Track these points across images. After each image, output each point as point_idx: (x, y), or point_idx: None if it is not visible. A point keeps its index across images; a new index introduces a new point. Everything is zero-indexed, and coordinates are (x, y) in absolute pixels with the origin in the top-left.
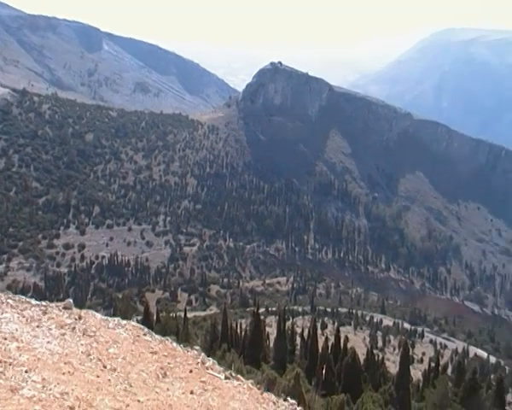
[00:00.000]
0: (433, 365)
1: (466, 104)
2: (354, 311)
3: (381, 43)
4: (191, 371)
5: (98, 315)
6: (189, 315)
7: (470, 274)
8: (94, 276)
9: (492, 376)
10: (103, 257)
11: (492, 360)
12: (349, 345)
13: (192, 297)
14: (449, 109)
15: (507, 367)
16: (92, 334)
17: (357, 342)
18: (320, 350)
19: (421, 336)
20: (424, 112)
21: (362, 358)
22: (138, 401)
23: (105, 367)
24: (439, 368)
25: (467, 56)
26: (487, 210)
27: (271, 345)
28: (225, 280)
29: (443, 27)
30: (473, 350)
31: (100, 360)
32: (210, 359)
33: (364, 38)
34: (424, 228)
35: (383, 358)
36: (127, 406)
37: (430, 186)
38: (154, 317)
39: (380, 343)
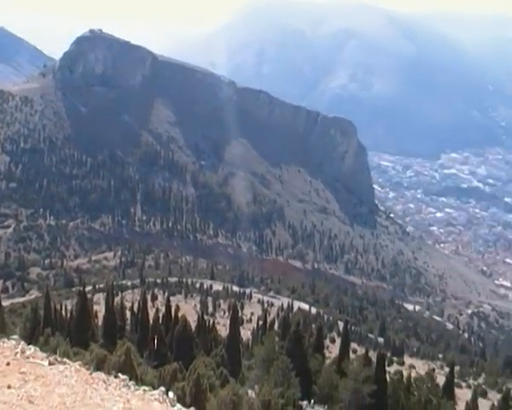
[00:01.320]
0: (261, 323)
1: (286, 72)
2: (184, 279)
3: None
4: (8, 364)
5: None
6: (5, 303)
7: (293, 233)
8: None
9: (314, 325)
10: None
11: (313, 310)
12: (180, 314)
13: (8, 284)
14: (270, 77)
15: (325, 316)
16: None
17: (189, 310)
18: (151, 322)
19: (250, 297)
20: (247, 80)
21: (193, 325)
22: None
23: None
24: (267, 325)
25: (286, 25)
26: (307, 172)
27: (100, 323)
28: (47, 261)
29: None
30: (297, 304)
31: None
32: (31, 347)
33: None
34: (250, 193)
35: (214, 322)
36: None
37: (254, 152)
38: None
39: (210, 309)
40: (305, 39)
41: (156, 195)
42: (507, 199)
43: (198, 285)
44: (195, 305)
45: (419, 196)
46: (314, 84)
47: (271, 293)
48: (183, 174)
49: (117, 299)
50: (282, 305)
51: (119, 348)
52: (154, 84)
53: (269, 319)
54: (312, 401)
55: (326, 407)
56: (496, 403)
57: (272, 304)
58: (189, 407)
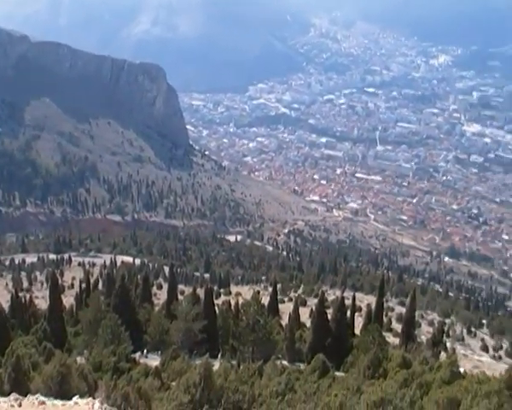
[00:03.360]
0: (84, 286)
1: (85, 21)
2: None
3: None
4: None
5: None
6: None
7: (109, 188)
8: None
9: (139, 276)
10: None
11: (138, 261)
12: None
13: None
14: (68, 27)
15: (150, 264)
16: None
17: (0, 290)
18: None
19: (69, 261)
20: (42, 32)
21: (7, 306)
22: None
23: None
24: (90, 287)
25: None
26: (117, 123)
27: None
28: None
29: None
30: (120, 259)
31: None
32: None
33: None
34: (58, 154)
35: (31, 297)
36: None
37: (59, 110)
38: None
39: (26, 284)
40: None
41: None
42: (311, 121)
43: (8, 262)
44: (7, 284)
45: (231, 129)
46: (116, 31)
47: (92, 253)
48: None
49: None
50: (105, 263)
51: None
52: None
53: (92, 280)
54: (145, 350)
55: (160, 352)
56: (314, 308)
57: (94, 264)
58: (9, 394)
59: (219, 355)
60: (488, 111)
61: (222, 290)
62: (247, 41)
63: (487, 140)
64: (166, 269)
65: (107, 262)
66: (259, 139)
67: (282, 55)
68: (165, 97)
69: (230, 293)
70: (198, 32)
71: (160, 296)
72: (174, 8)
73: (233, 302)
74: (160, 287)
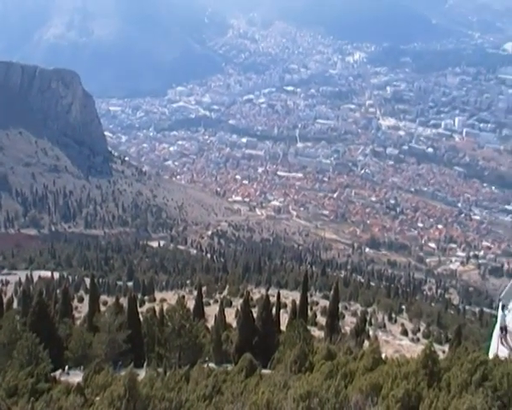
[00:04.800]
0: None
1: None
2: None
3: None
4: None
5: None
6: None
7: (22, 201)
8: None
9: (58, 290)
10: None
11: (56, 275)
12: None
13: None
14: None
15: (70, 277)
16: None
17: None
18: None
19: None
20: None
21: None
22: None
23: None
24: (3, 306)
25: None
26: (30, 133)
27: None
28: None
29: None
30: (37, 274)
31: None
32: None
33: None
34: None
35: None
36: None
37: None
38: None
39: None
40: None
41: None
42: (231, 121)
43: None
44: None
45: (151, 134)
46: (26, 36)
47: (5, 270)
48: None
49: None
50: (20, 280)
51: None
52: None
53: (5, 299)
54: (67, 367)
55: (82, 368)
56: (239, 308)
57: (8, 282)
58: None
59: (145, 364)
60: (401, 105)
61: (146, 298)
62: (164, 44)
63: (401, 133)
64: (88, 281)
65: (23, 279)
66: (180, 142)
67: (200, 57)
68: (81, 104)
69: (155, 300)
70: (114, 36)
71: (82, 309)
72: (89, 11)
73: (158, 309)
74: (81, 300)
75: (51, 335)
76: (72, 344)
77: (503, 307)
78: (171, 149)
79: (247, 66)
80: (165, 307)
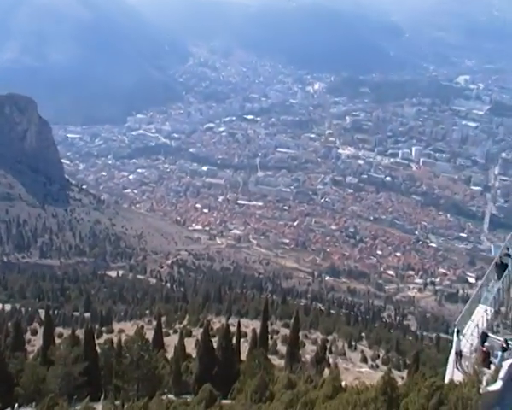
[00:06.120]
0: None
1: None
2: None
3: None
4: None
5: None
6: None
7: None
8: None
9: (9, 323)
10: None
11: (8, 308)
12: None
13: None
14: None
15: (23, 309)
16: None
17: None
18: None
19: None
20: None
21: None
22: None
23: None
24: None
25: None
26: None
27: None
28: None
29: None
30: None
31: None
32: None
33: None
34: None
35: None
36: None
37: None
38: None
39: None
40: None
41: None
42: (191, 150)
43: None
44: None
45: (110, 162)
46: None
47: None
48: None
49: None
50: None
51: None
52: None
53: None
54: (16, 405)
55: (34, 404)
56: (199, 338)
57: None
58: None
59: (102, 397)
60: (360, 134)
61: (104, 329)
62: (123, 71)
63: (360, 162)
64: (42, 312)
65: None
66: (140, 170)
67: (160, 85)
68: (36, 130)
69: (113, 331)
70: (71, 62)
71: (36, 342)
72: (44, 35)
73: (116, 340)
74: (34, 332)
75: (1, 371)
76: (23, 380)
77: (458, 333)
78: (131, 177)
79: (208, 94)
80: (124, 337)
